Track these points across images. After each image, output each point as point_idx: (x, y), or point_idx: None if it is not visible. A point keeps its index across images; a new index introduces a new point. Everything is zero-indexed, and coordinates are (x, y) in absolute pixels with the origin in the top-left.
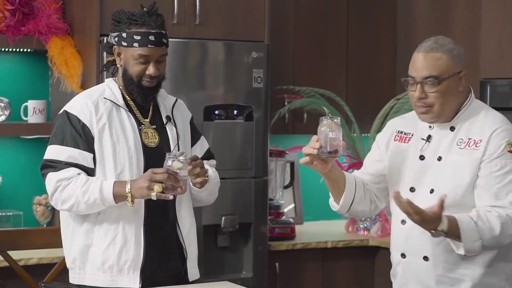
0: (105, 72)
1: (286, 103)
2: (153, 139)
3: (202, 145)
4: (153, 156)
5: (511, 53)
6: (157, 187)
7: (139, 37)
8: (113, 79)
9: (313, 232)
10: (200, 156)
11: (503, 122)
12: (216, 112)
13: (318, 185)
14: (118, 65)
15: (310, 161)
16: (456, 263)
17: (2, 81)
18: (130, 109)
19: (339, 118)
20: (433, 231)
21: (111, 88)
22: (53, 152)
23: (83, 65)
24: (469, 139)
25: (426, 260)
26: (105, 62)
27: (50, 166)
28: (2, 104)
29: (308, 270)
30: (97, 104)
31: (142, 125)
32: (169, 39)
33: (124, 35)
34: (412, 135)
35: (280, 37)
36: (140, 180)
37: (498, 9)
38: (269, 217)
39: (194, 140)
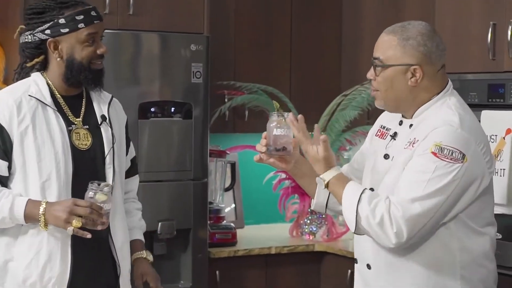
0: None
1: (226, 100)
2: (85, 141)
3: (130, 153)
4: (84, 160)
5: (465, 47)
6: (76, 222)
7: (82, 16)
8: (41, 73)
9: (256, 236)
10: (127, 166)
11: (448, 122)
12: (152, 109)
13: (259, 187)
14: (58, 59)
15: (265, 159)
16: (397, 274)
17: None
18: (59, 108)
19: (290, 113)
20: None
21: (37, 84)
22: None
23: (6, 58)
24: (415, 138)
25: (369, 268)
26: (19, 68)
27: None
28: None
29: (251, 278)
30: (20, 103)
31: (73, 125)
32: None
33: (61, 21)
34: (390, 130)
35: (221, 29)
36: (58, 208)
37: (452, 0)
38: (209, 222)
39: (127, 146)
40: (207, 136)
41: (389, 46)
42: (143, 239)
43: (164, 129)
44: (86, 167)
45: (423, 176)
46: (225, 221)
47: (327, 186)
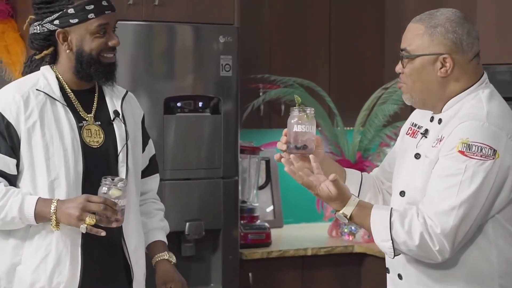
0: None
1: (261, 94)
2: (96, 138)
3: (149, 151)
4: (95, 158)
5: (511, 36)
6: (90, 219)
7: (92, 6)
8: (50, 67)
9: (293, 237)
10: (143, 166)
11: (474, 116)
12: (179, 104)
13: (299, 185)
14: (67, 51)
15: (285, 158)
16: (430, 285)
17: None
18: (69, 103)
19: (313, 109)
20: (336, 213)
21: (46, 77)
22: None
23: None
24: (442, 135)
25: (400, 279)
26: (28, 61)
27: None
28: None
29: (286, 281)
30: (28, 97)
31: (84, 121)
32: (125, 22)
33: (70, 11)
34: (421, 128)
35: (254, 20)
36: (70, 206)
37: None
38: (242, 222)
39: (143, 144)
40: (237, 132)
41: (416, 35)
42: (165, 240)
43: (191, 125)
44: (97, 166)
45: (453, 180)
46: (259, 221)
47: (350, 219)
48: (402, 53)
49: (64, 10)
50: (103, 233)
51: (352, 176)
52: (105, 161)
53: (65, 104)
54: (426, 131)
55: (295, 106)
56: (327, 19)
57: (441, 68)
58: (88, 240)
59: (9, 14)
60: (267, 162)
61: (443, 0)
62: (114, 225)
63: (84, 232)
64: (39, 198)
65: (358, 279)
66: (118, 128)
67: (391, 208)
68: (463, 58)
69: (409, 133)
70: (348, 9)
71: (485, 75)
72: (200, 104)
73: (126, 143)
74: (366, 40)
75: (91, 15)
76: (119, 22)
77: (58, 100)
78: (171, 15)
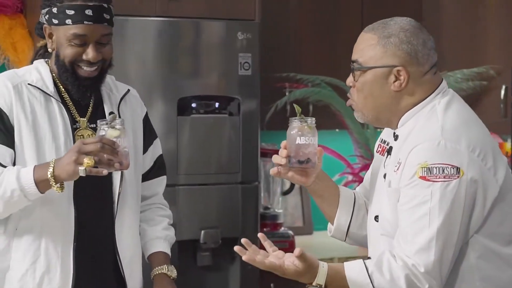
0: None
1: (287, 93)
2: None
3: (154, 152)
4: None
5: None
6: (88, 160)
7: (72, 12)
8: (45, 61)
9: (321, 245)
10: (147, 167)
11: (428, 136)
12: (193, 105)
13: None
14: (49, 49)
15: (283, 173)
16: None
17: None
18: (63, 102)
19: (313, 119)
20: (309, 286)
21: (40, 71)
22: None
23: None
24: (399, 159)
25: None
26: (37, 49)
27: None
28: None
29: None
30: (20, 89)
31: (76, 124)
32: (136, 18)
33: (54, 10)
34: (388, 144)
35: (280, 15)
36: (66, 155)
37: None
38: (265, 229)
39: (146, 144)
40: (257, 134)
41: (368, 45)
42: (166, 251)
43: (207, 126)
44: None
45: (422, 209)
46: (283, 228)
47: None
48: (353, 65)
49: (51, 7)
50: (105, 171)
51: (346, 195)
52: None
53: (60, 100)
54: (390, 148)
55: (295, 114)
56: (359, 15)
57: (394, 81)
58: (81, 248)
59: (17, 9)
60: None
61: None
62: (117, 167)
63: (83, 174)
64: (36, 165)
65: None
66: None
67: (362, 260)
68: (418, 71)
69: (379, 150)
70: (383, 5)
71: (444, 83)
72: (217, 104)
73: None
74: None
75: (68, 21)
76: (130, 17)
77: (52, 96)
78: (186, 10)
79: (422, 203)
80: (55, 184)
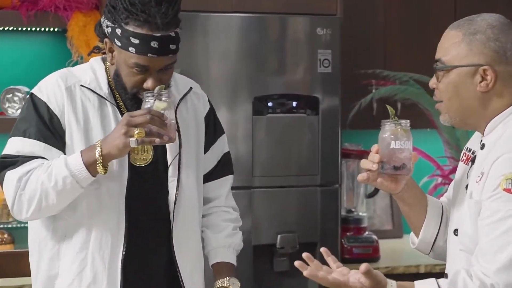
0: None
1: (373, 91)
2: (144, 155)
3: (218, 149)
4: (142, 177)
5: None
6: (139, 131)
7: (137, 41)
8: (101, 59)
9: (409, 250)
10: (210, 167)
11: None
12: (269, 104)
13: (422, 188)
14: (109, 63)
15: (371, 179)
16: None
17: (15, 67)
18: (117, 105)
19: (408, 121)
20: None
21: (95, 71)
22: (13, 145)
23: None
24: (483, 169)
25: None
26: (94, 48)
27: (8, 164)
28: (20, 95)
29: None
30: (72, 92)
31: None
32: (211, 14)
33: (118, 31)
34: (474, 153)
35: (367, 9)
36: (113, 131)
37: None
38: (347, 234)
39: (208, 143)
40: (338, 134)
41: (452, 43)
42: (230, 261)
43: (284, 126)
44: (143, 184)
45: (505, 224)
46: (367, 233)
47: None
48: (436, 65)
49: (116, 26)
50: (157, 140)
51: (434, 205)
52: (153, 179)
53: (114, 103)
54: (475, 157)
55: (389, 114)
56: (452, 9)
57: (481, 81)
58: (129, 258)
59: (93, 6)
60: None
61: None
62: (166, 139)
63: (135, 145)
64: (81, 150)
65: None
66: None
67: (435, 279)
68: (507, 70)
69: (463, 159)
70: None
71: None
72: (294, 103)
73: (179, 154)
74: None
75: (131, 49)
76: (204, 13)
77: (107, 99)
78: (263, 5)
79: (506, 218)
80: (102, 166)
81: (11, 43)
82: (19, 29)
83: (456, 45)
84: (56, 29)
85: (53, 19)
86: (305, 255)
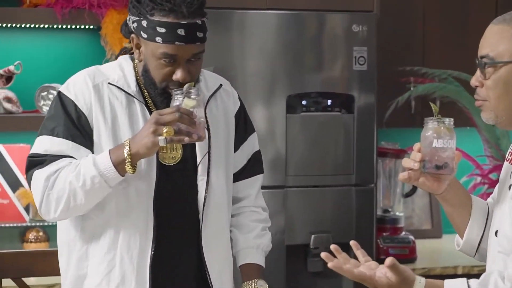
0: None
1: (412, 88)
2: (173, 153)
3: (248, 148)
4: (171, 176)
5: None
6: (168, 129)
7: (163, 30)
8: (130, 57)
9: (448, 250)
10: (239, 166)
11: None
12: (303, 102)
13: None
14: (136, 60)
15: (413, 178)
16: None
17: (49, 64)
18: (145, 103)
19: (451, 119)
20: None
21: (123, 69)
22: (41, 144)
23: None
24: None
25: None
26: (122, 49)
27: (36, 163)
28: (55, 93)
29: None
30: (99, 90)
31: None
32: (244, 11)
33: (144, 23)
34: None
35: (405, 5)
36: (142, 129)
37: None
38: (384, 234)
39: (239, 141)
40: (373, 133)
41: (500, 38)
42: (258, 262)
43: (318, 125)
44: (172, 183)
45: None
46: (403, 233)
47: None
48: (482, 61)
49: (141, 19)
50: (187, 139)
51: (479, 206)
52: (182, 178)
53: (143, 102)
54: None
55: (432, 114)
56: (493, 5)
57: None
58: (159, 260)
59: (127, 3)
60: None
61: None
62: (195, 138)
63: (164, 144)
64: (110, 149)
65: None
66: None
67: (466, 279)
68: None
69: (508, 158)
70: None
71: None
72: (329, 102)
73: (209, 151)
74: None
75: (158, 39)
76: (240, 10)
77: (135, 97)
78: (298, 2)
79: None
80: (130, 166)
81: (46, 41)
82: (54, 26)
83: (505, 40)
84: (90, 27)
85: (88, 16)
86: (333, 247)
